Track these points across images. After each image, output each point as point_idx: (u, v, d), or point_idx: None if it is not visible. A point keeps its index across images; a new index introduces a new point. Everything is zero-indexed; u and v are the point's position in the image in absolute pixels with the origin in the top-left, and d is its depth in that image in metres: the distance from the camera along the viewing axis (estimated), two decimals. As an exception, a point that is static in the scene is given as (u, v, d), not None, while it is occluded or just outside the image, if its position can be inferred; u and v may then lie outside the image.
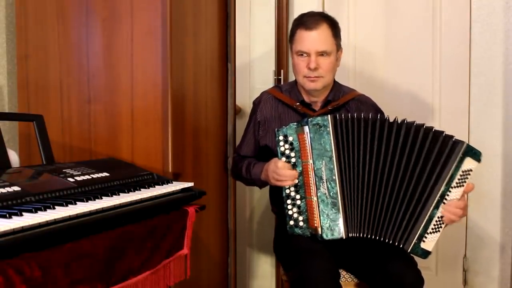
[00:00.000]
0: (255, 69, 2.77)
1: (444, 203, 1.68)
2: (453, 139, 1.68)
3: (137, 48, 1.77)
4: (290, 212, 1.78)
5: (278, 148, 1.79)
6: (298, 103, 2.00)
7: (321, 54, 1.90)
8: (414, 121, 1.72)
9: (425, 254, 1.69)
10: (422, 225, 1.67)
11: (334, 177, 1.70)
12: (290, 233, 1.79)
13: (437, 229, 1.69)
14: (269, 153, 2.00)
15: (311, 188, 1.72)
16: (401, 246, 1.69)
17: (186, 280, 1.56)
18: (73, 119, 1.86)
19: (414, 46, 2.62)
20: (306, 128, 1.72)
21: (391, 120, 1.73)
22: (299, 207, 1.77)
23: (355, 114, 1.72)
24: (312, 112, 1.98)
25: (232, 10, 2.27)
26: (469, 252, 2.63)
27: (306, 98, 2.02)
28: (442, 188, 1.67)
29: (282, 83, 2.62)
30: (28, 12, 1.90)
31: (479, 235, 2.61)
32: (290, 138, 1.77)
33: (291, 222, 1.78)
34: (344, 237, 1.70)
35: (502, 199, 2.56)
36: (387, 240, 1.70)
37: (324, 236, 1.70)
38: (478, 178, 2.57)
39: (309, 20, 1.91)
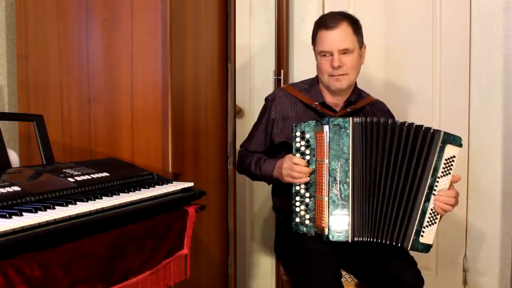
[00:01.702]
0: (255, 69, 2.77)
1: (434, 194, 1.69)
2: (431, 130, 1.70)
3: (137, 48, 1.77)
4: (297, 209, 1.78)
5: (293, 144, 1.79)
6: (317, 103, 1.99)
7: (344, 52, 1.90)
8: (397, 120, 1.74)
9: (426, 248, 1.70)
10: (417, 220, 1.68)
11: (347, 180, 1.70)
12: (294, 231, 1.79)
13: (433, 221, 1.70)
14: (286, 149, 1.96)
15: (323, 187, 1.72)
16: (400, 245, 1.69)
17: (186, 280, 1.56)
18: (73, 119, 1.86)
19: (414, 46, 2.62)
20: (326, 128, 1.71)
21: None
22: (307, 205, 1.77)
23: (374, 119, 1.73)
24: (332, 113, 1.98)
25: (232, 10, 2.27)
26: (469, 252, 2.63)
27: (328, 99, 2.01)
28: (429, 180, 1.69)
29: (282, 83, 2.62)
30: (28, 12, 1.90)
31: (479, 235, 2.61)
32: (307, 136, 1.77)
33: (297, 219, 1.78)
34: (350, 241, 1.70)
35: (502, 199, 2.57)
36: (385, 241, 1.70)
37: (330, 237, 1.70)
38: (478, 178, 2.58)
39: (329, 19, 1.92)
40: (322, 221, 1.72)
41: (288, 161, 1.80)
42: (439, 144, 1.68)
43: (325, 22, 1.92)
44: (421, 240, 1.69)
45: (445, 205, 1.69)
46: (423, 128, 1.71)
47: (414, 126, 1.72)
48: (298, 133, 1.79)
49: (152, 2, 1.74)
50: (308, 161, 1.77)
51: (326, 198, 1.71)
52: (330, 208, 1.70)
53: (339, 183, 1.70)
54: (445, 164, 1.69)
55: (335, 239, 1.70)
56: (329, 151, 1.71)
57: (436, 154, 1.68)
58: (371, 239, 1.71)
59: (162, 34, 1.73)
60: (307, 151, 1.77)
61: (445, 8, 2.58)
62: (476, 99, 2.57)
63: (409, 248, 1.69)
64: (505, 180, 2.56)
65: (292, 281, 1.75)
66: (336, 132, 1.71)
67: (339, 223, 1.70)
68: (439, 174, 1.69)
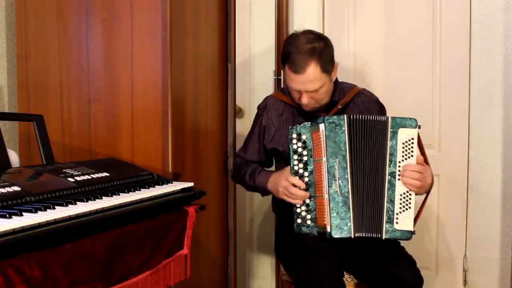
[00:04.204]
0: (255, 69, 2.77)
1: (399, 179, 1.72)
2: (383, 119, 1.74)
3: (137, 48, 1.77)
4: (298, 210, 1.78)
5: (290, 146, 1.79)
6: None
7: (313, 91, 1.83)
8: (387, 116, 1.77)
9: (406, 234, 1.71)
10: (385, 209, 1.71)
11: (346, 176, 1.72)
12: (297, 232, 1.79)
13: (406, 206, 1.72)
14: (277, 155, 1.98)
15: (322, 185, 1.73)
16: (379, 236, 1.71)
17: (186, 280, 1.56)
18: (73, 119, 1.86)
19: (414, 47, 2.62)
20: (322, 126, 1.73)
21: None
22: (307, 205, 1.77)
23: (368, 116, 1.75)
24: (324, 114, 1.97)
25: (232, 10, 2.28)
26: (469, 252, 2.63)
27: None
28: (389, 167, 1.72)
29: (282, 83, 2.62)
30: (28, 12, 1.90)
31: (479, 235, 2.61)
32: (304, 137, 1.78)
33: (299, 221, 1.78)
34: (352, 237, 1.70)
35: (502, 200, 2.56)
36: (370, 235, 1.72)
37: (333, 234, 1.70)
38: (478, 178, 2.58)
39: (296, 60, 1.78)
40: (324, 219, 1.72)
41: (285, 180, 1.78)
42: (390, 129, 1.73)
43: (293, 62, 1.79)
44: (397, 227, 1.70)
45: (409, 179, 1.71)
46: (382, 120, 1.74)
47: (376, 119, 1.75)
48: (294, 135, 1.79)
49: (152, 2, 1.74)
50: (306, 162, 1.77)
51: (326, 196, 1.71)
52: (331, 205, 1.70)
53: (338, 180, 1.71)
54: (403, 148, 1.73)
55: (338, 235, 1.70)
56: (326, 149, 1.72)
57: (389, 140, 1.72)
58: (365, 234, 1.72)
59: (162, 34, 1.73)
60: (305, 152, 1.78)
61: (445, 8, 2.58)
62: (476, 99, 2.57)
63: (385, 237, 1.71)
64: (505, 180, 2.55)
65: (295, 280, 1.75)
66: (332, 130, 1.72)
67: (340, 219, 1.70)
68: (399, 159, 1.72)
